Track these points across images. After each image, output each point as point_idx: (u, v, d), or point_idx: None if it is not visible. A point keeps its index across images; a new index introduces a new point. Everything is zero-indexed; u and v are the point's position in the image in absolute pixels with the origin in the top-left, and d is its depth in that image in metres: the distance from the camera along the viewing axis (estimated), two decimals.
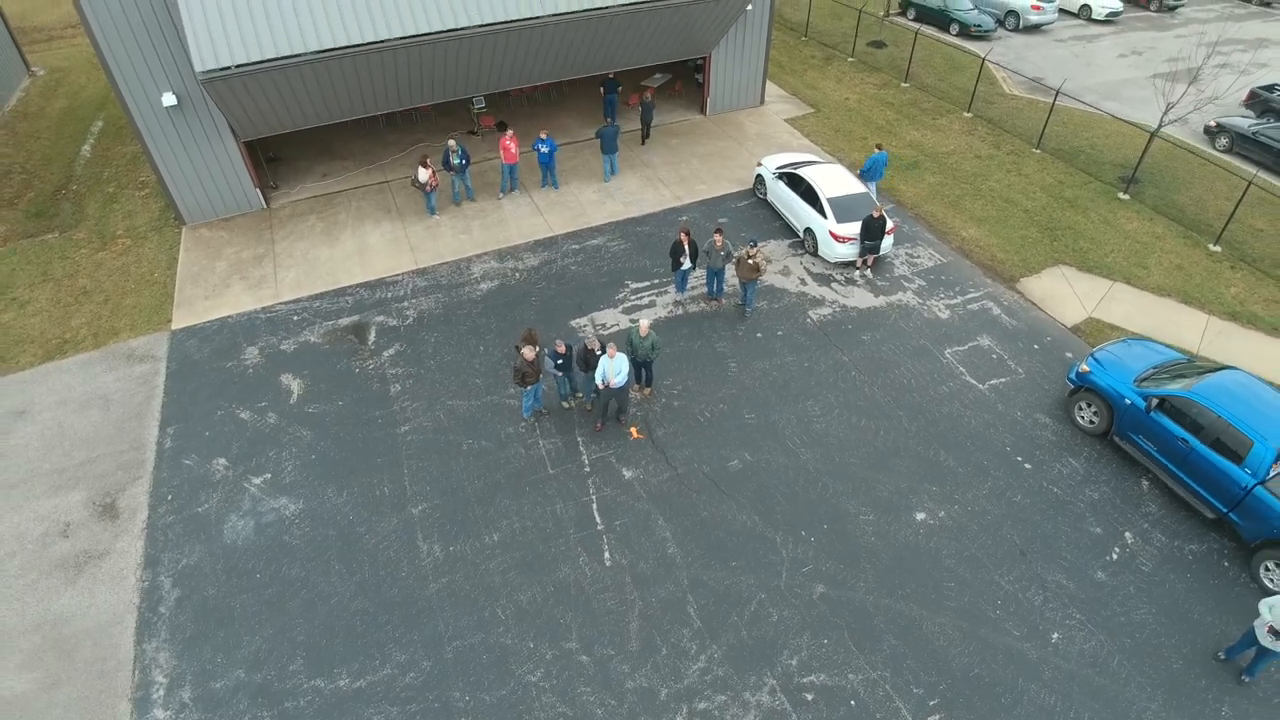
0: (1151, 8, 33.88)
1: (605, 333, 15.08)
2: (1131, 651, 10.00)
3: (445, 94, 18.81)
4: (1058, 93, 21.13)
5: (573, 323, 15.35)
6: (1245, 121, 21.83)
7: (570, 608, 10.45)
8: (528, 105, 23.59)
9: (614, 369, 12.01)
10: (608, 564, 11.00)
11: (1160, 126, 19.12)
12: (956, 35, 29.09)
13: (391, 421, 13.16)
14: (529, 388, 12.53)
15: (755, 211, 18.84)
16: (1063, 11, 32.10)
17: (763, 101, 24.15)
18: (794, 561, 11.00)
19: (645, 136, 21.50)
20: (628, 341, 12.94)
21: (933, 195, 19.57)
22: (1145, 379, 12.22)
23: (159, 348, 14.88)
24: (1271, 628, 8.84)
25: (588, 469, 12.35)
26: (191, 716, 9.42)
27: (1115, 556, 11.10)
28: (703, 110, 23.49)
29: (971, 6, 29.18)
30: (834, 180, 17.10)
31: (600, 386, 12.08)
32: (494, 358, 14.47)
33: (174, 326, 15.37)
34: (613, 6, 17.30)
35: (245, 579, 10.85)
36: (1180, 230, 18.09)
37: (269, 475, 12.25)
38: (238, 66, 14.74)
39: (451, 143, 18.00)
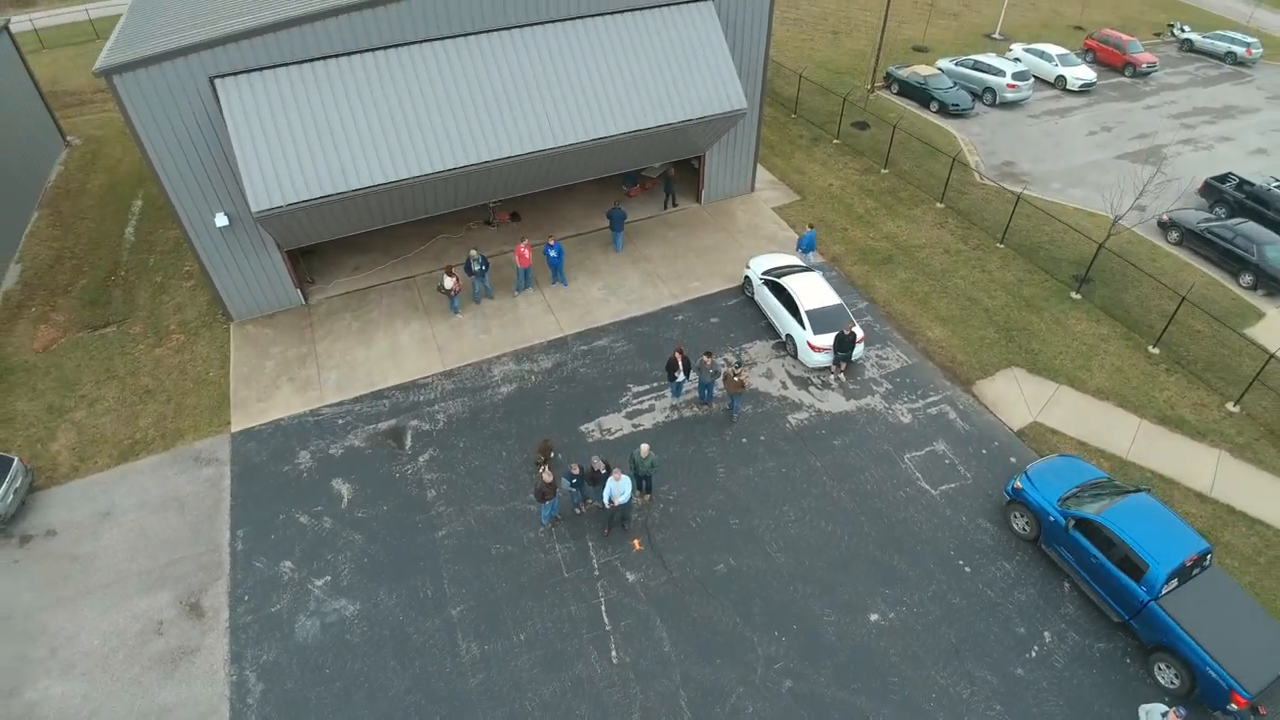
0: (1126, 74, 36.48)
1: (610, 438, 17.66)
2: None
3: (467, 203, 21.36)
4: (1019, 198, 23.61)
5: (582, 428, 17.94)
6: (1196, 216, 24.32)
7: (584, 701, 13.06)
8: (538, 198, 26.11)
9: (619, 489, 14.60)
10: (614, 662, 13.60)
11: (1108, 236, 21.70)
12: (936, 113, 31.66)
13: (430, 526, 15.74)
14: (547, 502, 15.11)
15: (744, 310, 21.42)
16: (1039, 80, 34.69)
17: (753, 189, 26.73)
18: (768, 658, 13.61)
19: (673, 204, 25.48)
20: (631, 460, 15.54)
21: (903, 292, 22.16)
22: (1068, 498, 14.82)
23: (222, 450, 17.45)
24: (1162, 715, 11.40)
25: (597, 573, 14.95)
26: None
27: (1034, 654, 13.73)
28: (698, 198, 26.05)
29: (951, 84, 31.75)
30: (812, 292, 19.66)
31: (607, 505, 14.68)
32: (515, 462, 17.05)
33: (233, 429, 17.93)
34: (619, 134, 19.90)
35: (316, 673, 13.44)
36: (1124, 332, 20.69)
37: (329, 578, 14.84)
38: (288, 205, 17.31)
39: (474, 252, 20.57)
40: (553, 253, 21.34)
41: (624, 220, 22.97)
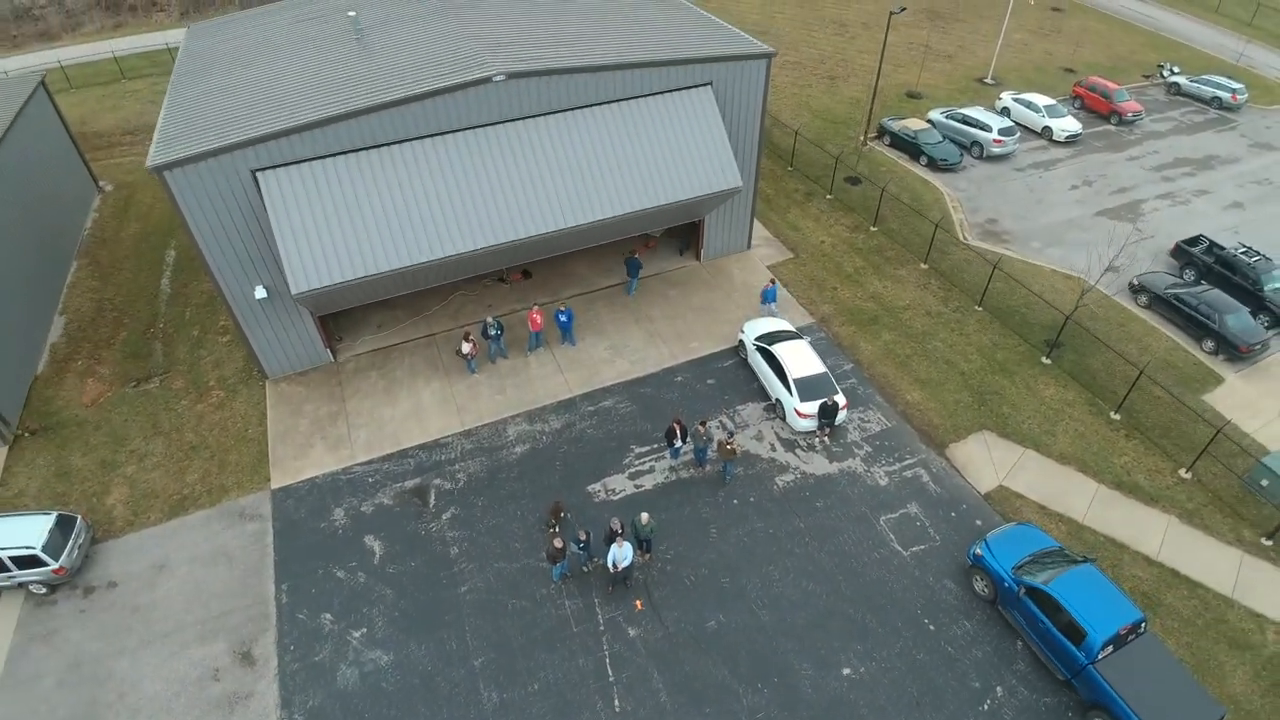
0: (1112, 122, 38.46)
1: (615, 498, 19.76)
2: None
3: (485, 270, 23.39)
4: (995, 265, 25.69)
5: (589, 488, 20.04)
6: (1165, 280, 26.24)
7: None
8: (549, 258, 28.15)
9: (622, 555, 16.71)
10: (617, 710, 15.71)
11: (1076, 308, 23.75)
12: (925, 166, 33.70)
13: (454, 582, 17.86)
14: (557, 564, 17.22)
15: (738, 372, 23.50)
16: (1027, 130, 36.69)
17: (749, 246, 28.80)
18: (751, 709, 15.72)
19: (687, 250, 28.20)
20: (633, 525, 17.65)
21: (886, 354, 24.23)
22: (1022, 565, 16.89)
23: (264, 507, 19.58)
24: None
25: (602, 628, 17.06)
26: None
27: (987, 707, 15.81)
28: (697, 256, 28.14)
29: (940, 139, 33.79)
30: (800, 360, 21.72)
31: (612, 569, 16.79)
32: (529, 521, 19.16)
33: (273, 485, 20.07)
34: (630, 213, 22.00)
35: (356, 718, 15.56)
36: (1089, 397, 22.73)
37: (365, 630, 16.97)
38: (324, 287, 19.43)
39: (489, 318, 22.70)
40: (563, 317, 23.45)
41: (639, 269, 25.75)
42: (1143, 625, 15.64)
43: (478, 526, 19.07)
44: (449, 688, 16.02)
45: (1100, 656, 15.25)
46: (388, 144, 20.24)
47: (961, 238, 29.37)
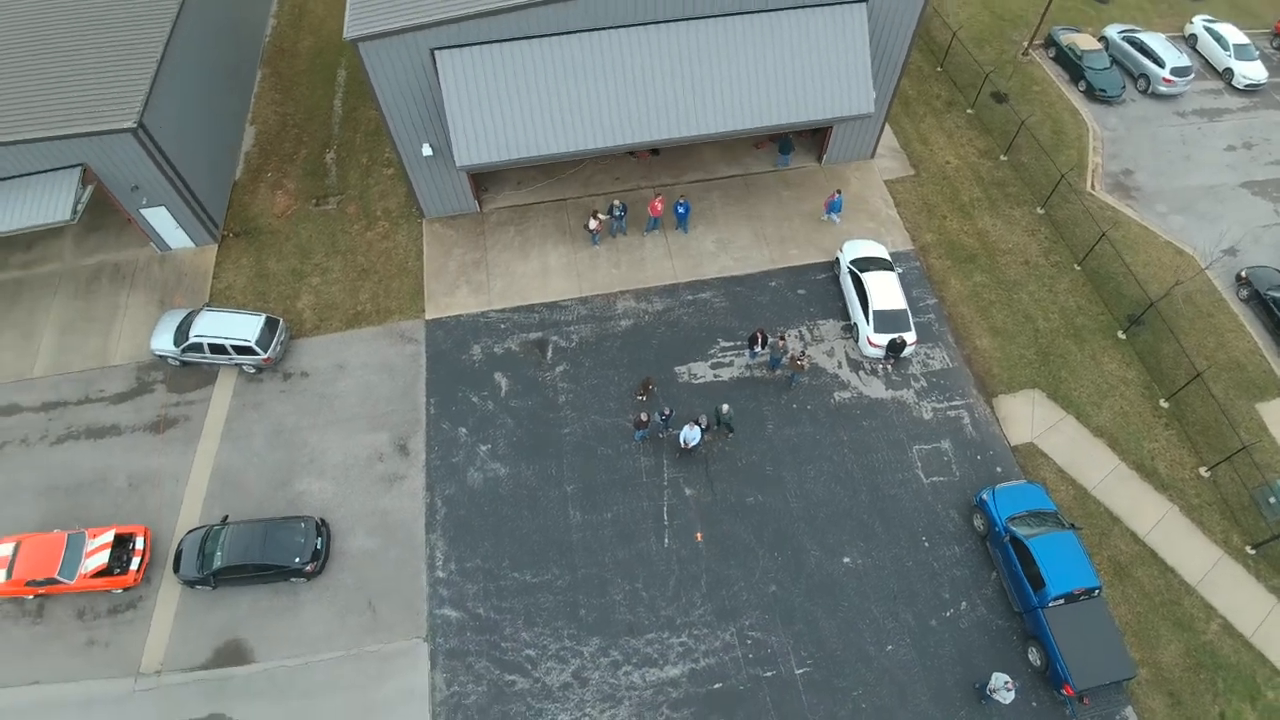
0: None
1: (696, 382, 24.07)
2: (927, 669, 19.72)
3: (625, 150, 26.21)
4: (1103, 235, 26.42)
5: (676, 369, 24.36)
6: (1275, 279, 26.02)
7: (642, 567, 20.86)
8: None
9: (691, 436, 21.40)
10: (666, 546, 21.19)
11: (1165, 295, 24.83)
12: (1083, 92, 32.60)
13: (559, 424, 23.11)
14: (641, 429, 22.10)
15: (828, 288, 26.39)
16: (1208, 65, 34.02)
17: (874, 155, 30.06)
18: (764, 569, 20.90)
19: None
20: (716, 412, 22.04)
21: (971, 296, 26.43)
22: (1016, 518, 20.60)
23: (419, 333, 24.92)
24: (1006, 685, 18.05)
25: (665, 484, 22.19)
26: (455, 577, 20.64)
27: (949, 614, 20.47)
28: (819, 159, 29.77)
29: (1107, 64, 32.27)
30: (884, 293, 24.40)
31: (682, 445, 21.54)
32: (623, 387, 23.87)
33: (427, 316, 25.26)
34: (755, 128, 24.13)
35: (479, 508, 21.63)
36: (1146, 380, 24.70)
37: (489, 446, 22.67)
38: (486, 162, 23.06)
39: (616, 202, 26.02)
40: (680, 209, 26.50)
41: (791, 150, 28.59)
42: (1096, 591, 19.44)
43: (583, 383, 23.94)
44: (547, 502, 21.78)
45: (1050, 604, 19.30)
46: (553, 34, 22.57)
47: (1089, 186, 29.61)
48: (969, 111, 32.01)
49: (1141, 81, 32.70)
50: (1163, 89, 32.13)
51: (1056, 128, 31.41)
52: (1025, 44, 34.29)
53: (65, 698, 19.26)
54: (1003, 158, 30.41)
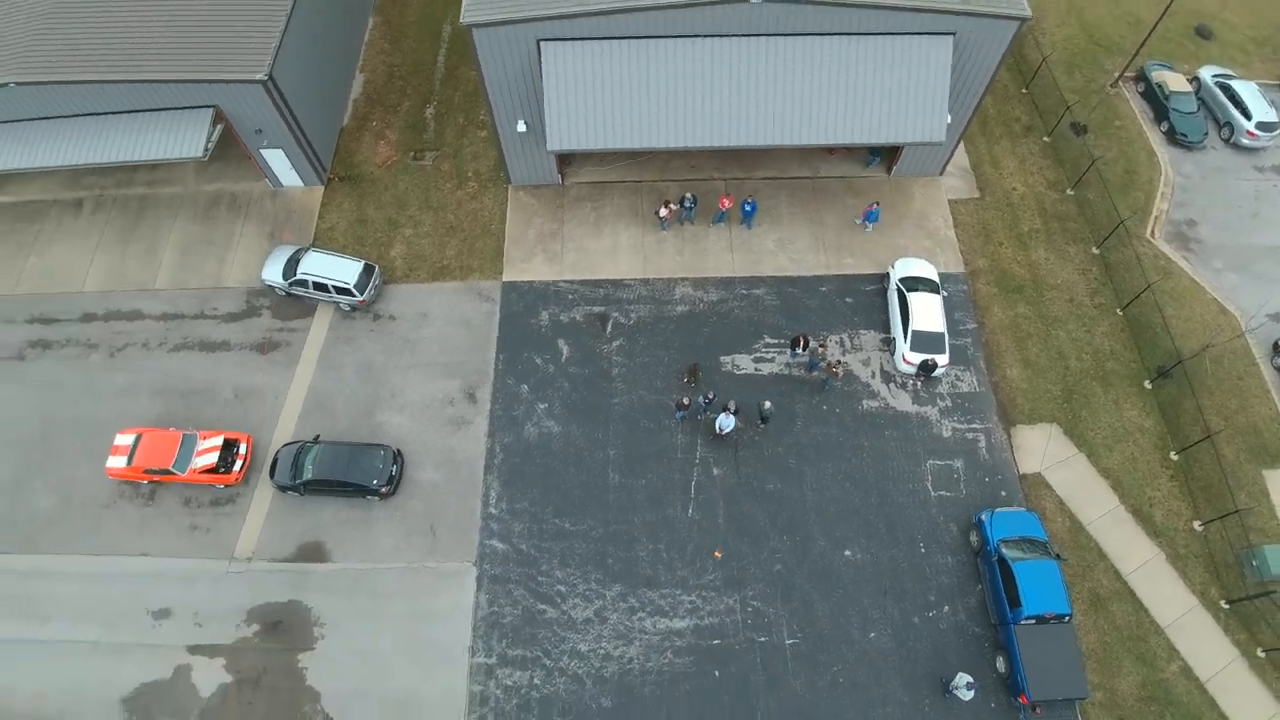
0: None
1: (738, 373, 26.62)
2: (902, 659, 22.53)
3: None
4: (1148, 286, 27.55)
5: (721, 357, 26.89)
6: None
7: (667, 531, 23.94)
8: None
9: (726, 423, 24.10)
10: (690, 516, 24.19)
11: (1196, 354, 26.14)
12: (1165, 133, 32.98)
13: (610, 394, 26.01)
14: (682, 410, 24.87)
15: (874, 300, 28.37)
16: None
17: (942, 173, 31.39)
18: (772, 550, 23.79)
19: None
20: (758, 406, 24.62)
21: (1011, 326, 28.14)
22: (1008, 541, 22.93)
23: (495, 293, 27.86)
24: (968, 685, 20.83)
25: (696, 462, 25.05)
26: (505, 515, 24.04)
27: (931, 615, 23.14)
28: (889, 170, 31.25)
29: (1194, 109, 32.52)
30: (926, 314, 26.34)
31: (717, 431, 24.29)
32: (670, 370, 26.57)
33: (504, 279, 28.15)
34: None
35: (532, 459, 24.86)
36: (1162, 431, 26.31)
37: (546, 405, 25.74)
38: (576, 149, 25.45)
39: (688, 194, 28.20)
40: (748, 207, 28.58)
41: (880, 155, 30.50)
42: (1066, 618, 21.80)
43: (635, 359, 26.70)
44: (591, 462, 24.89)
45: (1022, 622, 21.78)
46: (650, 37, 24.50)
47: (1149, 233, 30.52)
48: (1045, 139, 32.83)
49: (1226, 130, 32.92)
50: (1245, 141, 32.37)
51: (1130, 167, 32.11)
52: (1116, 75, 34.57)
53: (169, 570, 23.39)
54: (1069, 191, 31.40)
